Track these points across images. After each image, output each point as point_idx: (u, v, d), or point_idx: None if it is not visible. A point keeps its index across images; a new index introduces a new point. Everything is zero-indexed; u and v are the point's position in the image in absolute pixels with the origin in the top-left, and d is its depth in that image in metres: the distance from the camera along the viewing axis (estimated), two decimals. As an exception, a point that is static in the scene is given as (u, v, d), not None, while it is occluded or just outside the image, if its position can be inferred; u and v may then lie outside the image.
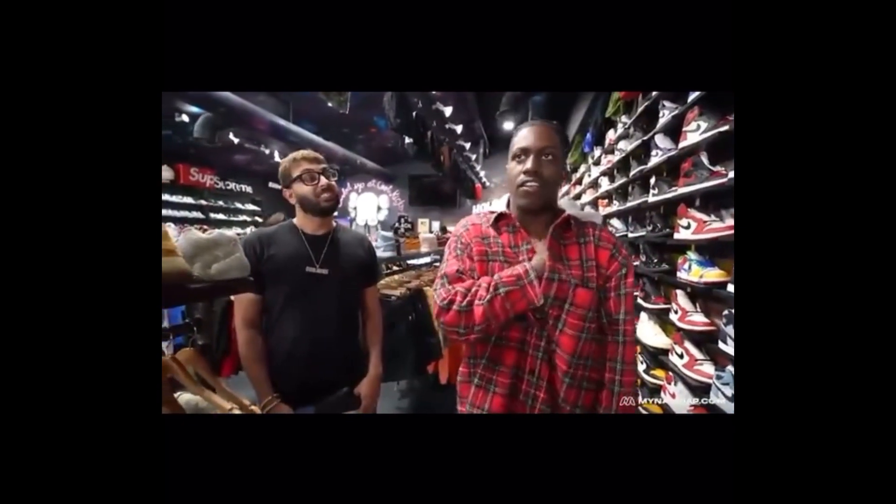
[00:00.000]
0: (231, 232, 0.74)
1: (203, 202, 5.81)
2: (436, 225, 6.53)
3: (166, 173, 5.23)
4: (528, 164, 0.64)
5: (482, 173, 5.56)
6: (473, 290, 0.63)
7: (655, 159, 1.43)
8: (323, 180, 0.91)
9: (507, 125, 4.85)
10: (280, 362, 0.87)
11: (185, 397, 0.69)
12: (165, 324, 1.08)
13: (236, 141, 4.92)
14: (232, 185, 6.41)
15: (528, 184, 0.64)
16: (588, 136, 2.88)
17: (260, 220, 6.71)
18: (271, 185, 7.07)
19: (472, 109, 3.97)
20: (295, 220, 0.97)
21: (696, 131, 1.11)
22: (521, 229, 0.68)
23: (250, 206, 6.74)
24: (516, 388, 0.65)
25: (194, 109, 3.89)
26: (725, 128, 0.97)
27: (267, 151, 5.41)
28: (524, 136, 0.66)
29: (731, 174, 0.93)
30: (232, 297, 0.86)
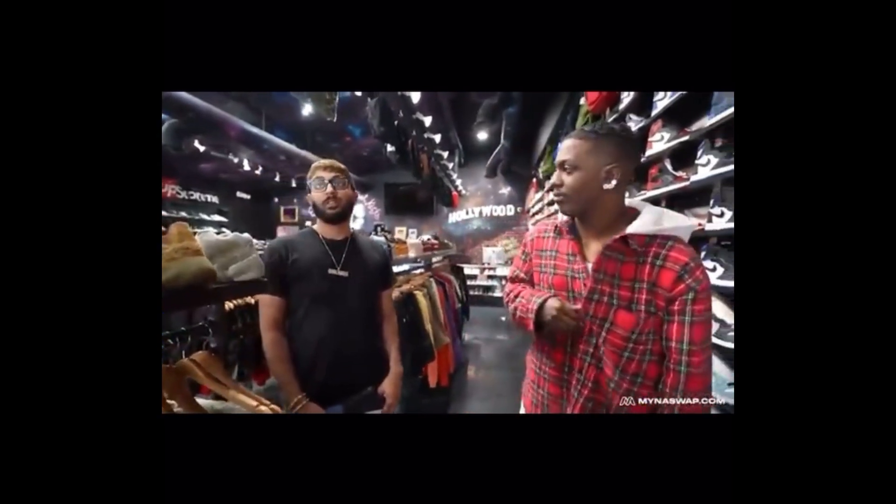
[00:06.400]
0: (246, 235, 0.75)
1: (164, 213, 5.45)
2: (413, 233, 6.55)
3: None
4: (553, 177, 0.68)
5: (458, 181, 5.69)
6: (512, 295, 0.77)
7: (625, 166, 1.59)
8: (329, 188, 0.94)
9: (482, 136, 5.03)
10: (306, 363, 0.89)
11: (202, 402, 0.68)
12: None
13: (202, 149, 4.68)
14: (196, 195, 6.06)
15: (554, 196, 0.68)
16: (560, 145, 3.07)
17: (227, 231, 6.35)
18: (240, 194, 6.76)
19: (447, 120, 4.10)
20: (315, 227, 1.01)
21: (661, 141, 1.26)
22: (574, 240, 0.70)
23: (216, 217, 6.39)
24: (567, 382, 0.69)
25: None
26: (685, 138, 1.12)
27: (236, 160, 5.19)
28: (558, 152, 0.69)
29: (693, 178, 1.07)
30: (255, 301, 0.86)
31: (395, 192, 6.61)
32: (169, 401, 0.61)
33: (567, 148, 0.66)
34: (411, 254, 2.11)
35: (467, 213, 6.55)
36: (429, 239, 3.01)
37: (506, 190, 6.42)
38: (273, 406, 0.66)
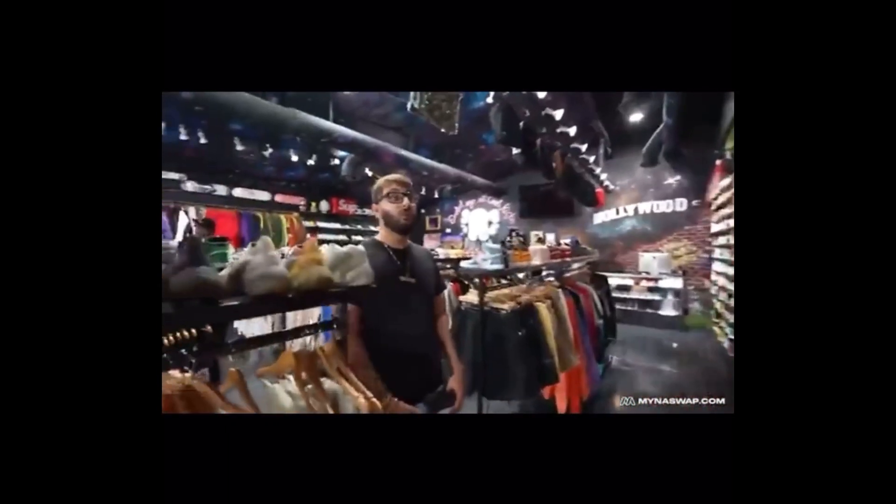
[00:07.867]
0: (360, 247, 0.88)
1: (347, 227, 7.29)
2: (550, 237, 6.18)
3: (324, 205, 6.83)
4: None
5: (603, 176, 4.98)
6: None
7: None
8: (405, 201, 1.01)
9: (635, 117, 4.23)
10: (386, 365, 0.94)
11: (327, 384, 0.83)
12: (315, 319, 1.31)
13: (370, 174, 5.93)
14: (369, 211, 7.78)
15: None
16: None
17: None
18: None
19: (588, 107, 3.65)
20: (378, 237, 1.09)
21: None
22: None
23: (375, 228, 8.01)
24: None
25: (342, 153, 4.89)
26: None
27: (394, 180, 6.31)
28: None
29: None
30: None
31: (531, 194, 6.42)
32: (303, 377, 0.76)
33: None
34: (535, 262, 1.96)
35: (617, 212, 5.65)
36: (561, 244, 2.74)
37: (673, 179, 5.16)
38: (373, 399, 0.72)
